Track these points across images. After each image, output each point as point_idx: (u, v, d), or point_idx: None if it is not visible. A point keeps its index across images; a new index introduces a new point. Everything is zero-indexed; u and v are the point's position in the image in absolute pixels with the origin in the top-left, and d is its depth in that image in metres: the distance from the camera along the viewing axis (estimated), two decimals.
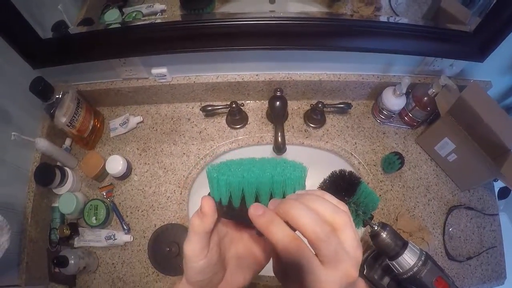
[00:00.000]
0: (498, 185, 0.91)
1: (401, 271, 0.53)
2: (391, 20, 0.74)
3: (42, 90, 0.72)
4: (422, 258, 0.52)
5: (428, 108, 0.79)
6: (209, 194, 0.30)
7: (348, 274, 0.24)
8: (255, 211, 0.26)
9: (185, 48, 0.68)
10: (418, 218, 0.79)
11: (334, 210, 0.25)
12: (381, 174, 0.83)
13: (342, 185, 0.52)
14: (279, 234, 0.24)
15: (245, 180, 0.27)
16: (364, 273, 0.68)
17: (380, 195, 0.80)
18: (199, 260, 0.29)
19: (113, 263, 0.78)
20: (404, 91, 0.77)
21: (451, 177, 0.84)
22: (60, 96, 0.75)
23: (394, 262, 0.53)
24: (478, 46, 0.69)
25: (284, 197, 0.28)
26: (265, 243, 0.33)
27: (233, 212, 0.29)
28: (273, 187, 0.27)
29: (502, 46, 0.65)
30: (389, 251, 0.53)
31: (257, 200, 0.28)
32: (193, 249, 0.29)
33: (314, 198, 0.26)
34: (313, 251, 0.24)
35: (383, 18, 0.74)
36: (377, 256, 0.70)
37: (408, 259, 0.51)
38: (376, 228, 0.53)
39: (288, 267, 0.25)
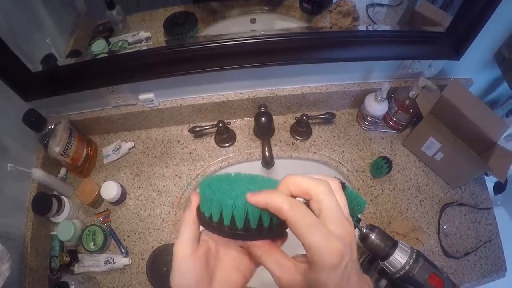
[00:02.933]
0: (492, 179, 0.92)
1: (393, 270, 0.53)
2: (369, 28, 0.77)
3: (35, 122, 0.73)
4: (413, 256, 0.52)
5: (411, 111, 0.81)
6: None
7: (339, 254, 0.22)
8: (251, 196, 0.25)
9: (170, 72, 0.71)
10: (411, 219, 0.80)
11: (309, 184, 0.24)
12: (371, 179, 0.84)
13: None
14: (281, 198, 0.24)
15: (236, 204, 0.26)
16: None
17: (371, 200, 0.81)
18: (187, 258, 0.29)
19: (113, 287, 0.79)
20: (384, 96, 0.79)
21: (440, 175, 0.85)
22: (53, 126, 0.77)
23: (385, 263, 0.54)
24: (452, 45, 0.70)
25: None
26: (249, 259, 0.33)
27: (222, 228, 0.28)
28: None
29: (477, 43, 0.66)
30: (380, 252, 0.53)
31: (246, 219, 0.27)
32: (182, 243, 0.29)
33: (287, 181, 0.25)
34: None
35: (361, 28, 0.76)
36: (373, 259, 0.71)
37: (399, 258, 0.52)
38: (364, 230, 0.54)
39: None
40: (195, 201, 0.30)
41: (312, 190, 0.24)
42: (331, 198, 0.24)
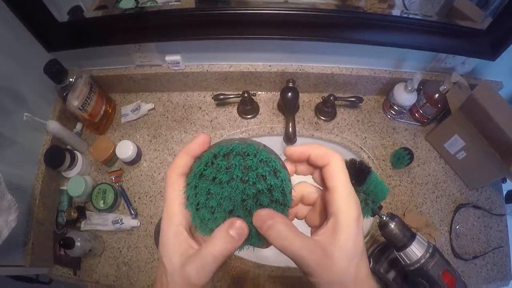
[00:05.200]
0: (506, 187, 0.91)
1: (408, 262, 0.52)
2: (409, 15, 0.74)
3: (56, 72, 0.72)
4: (430, 251, 0.52)
5: (439, 105, 0.79)
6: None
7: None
8: (257, 223, 0.26)
9: (199, 35, 0.69)
10: (425, 215, 0.79)
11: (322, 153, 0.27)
12: (390, 169, 0.83)
13: (352, 174, 0.52)
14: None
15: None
16: (370, 266, 0.68)
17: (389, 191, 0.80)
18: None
19: (118, 248, 0.78)
20: (415, 86, 0.77)
21: (459, 175, 0.83)
22: (74, 79, 0.75)
23: (401, 253, 0.53)
24: (490, 44, 0.68)
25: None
26: None
27: None
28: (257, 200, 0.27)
29: None
30: (397, 242, 0.53)
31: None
32: (205, 277, 0.25)
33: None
34: None
35: (400, 13, 0.74)
36: (384, 249, 0.70)
37: (416, 251, 0.51)
38: (384, 218, 0.53)
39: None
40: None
41: (329, 156, 0.27)
42: (346, 172, 0.27)
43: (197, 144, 0.27)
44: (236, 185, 0.26)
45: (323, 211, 0.30)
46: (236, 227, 0.25)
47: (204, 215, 0.26)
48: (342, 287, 0.25)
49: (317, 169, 0.29)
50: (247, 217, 0.27)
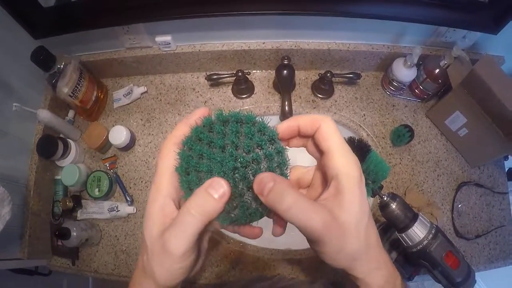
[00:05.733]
0: (509, 164, 0.89)
1: (410, 244, 0.51)
2: None
3: (44, 60, 0.70)
4: (433, 232, 0.50)
5: (440, 81, 0.77)
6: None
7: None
8: (258, 187, 0.23)
9: (189, 14, 0.66)
10: (427, 193, 0.78)
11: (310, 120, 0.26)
12: (390, 147, 0.81)
13: None
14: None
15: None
16: None
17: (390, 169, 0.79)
18: (185, 259, 0.24)
19: (116, 236, 0.77)
20: (415, 61, 0.74)
21: (461, 152, 0.82)
22: (62, 66, 0.73)
23: (403, 235, 0.51)
24: (492, 17, 0.66)
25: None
26: None
27: None
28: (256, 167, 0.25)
29: None
30: (399, 223, 0.51)
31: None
32: (184, 243, 0.23)
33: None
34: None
35: None
36: (386, 230, 0.69)
37: (418, 232, 0.50)
38: (385, 198, 0.51)
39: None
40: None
41: (318, 120, 0.26)
42: (338, 132, 0.26)
43: (197, 115, 0.26)
44: (230, 151, 0.24)
45: (323, 184, 0.28)
46: (214, 186, 0.23)
47: (192, 180, 0.24)
48: (353, 258, 0.24)
49: (309, 138, 0.28)
50: (236, 187, 0.25)
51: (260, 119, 0.26)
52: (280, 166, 0.25)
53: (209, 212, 0.23)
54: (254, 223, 0.27)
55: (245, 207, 0.25)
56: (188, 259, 0.24)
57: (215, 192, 0.23)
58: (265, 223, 0.28)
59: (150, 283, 0.25)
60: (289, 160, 0.26)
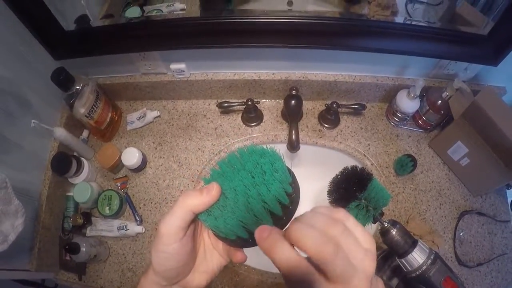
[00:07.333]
0: (511, 194, 0.90)
1: (410, 269, 0.52)
2: (412, 22, 0.75)
3: (63, 80, 0.73)
4: (431, 257, 0.51)
5: (442, 112, 0.79)
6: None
7: None
8: (260, 234, 0.25)
9: (204, 44, 0.70)
10: (429, 222, 0.79)
11: (328, 223, 0.24)
12: (394, 176, 0.83)
13: (353, 180, 0.53)
14: (281, 256, 0.24)
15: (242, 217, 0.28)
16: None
17: (391, 197, 0.80)
18: (172, 242, 0.28)
19: (123, 254, 0.79)
20: (418, 93, 0.77)
21: (463, 181, 0.83)
22: (80, 87, 0.76)
23: (403, 260, 0.53)
24: (492, 49, 0.68)
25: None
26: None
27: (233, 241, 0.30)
28: (266, 205, 0.28)
29: None
30: (399, 249, 0.53)
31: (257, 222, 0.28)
32: (171, 226, 0.27)
33: (311, 215, 0.26)
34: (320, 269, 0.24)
35: (402, 20, 0.74)
36: (387, 256, 0.70)
37: (417, 258, 0.51)
38: (386, 225, 0.53)
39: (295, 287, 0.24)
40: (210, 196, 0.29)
41: (316, 255, 0.23)
42: (340, 257, 0.23)
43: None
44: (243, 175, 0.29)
45: None
46: (208, 187, 0.29)
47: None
48: None
49: None
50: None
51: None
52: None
53: (196, 205, 0.28)
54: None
55: (227, 220, 0.28)
56: (176, 242, 0.28)
57: (204, 189, 0.29)
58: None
59: (151, 274, 0.30)
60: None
